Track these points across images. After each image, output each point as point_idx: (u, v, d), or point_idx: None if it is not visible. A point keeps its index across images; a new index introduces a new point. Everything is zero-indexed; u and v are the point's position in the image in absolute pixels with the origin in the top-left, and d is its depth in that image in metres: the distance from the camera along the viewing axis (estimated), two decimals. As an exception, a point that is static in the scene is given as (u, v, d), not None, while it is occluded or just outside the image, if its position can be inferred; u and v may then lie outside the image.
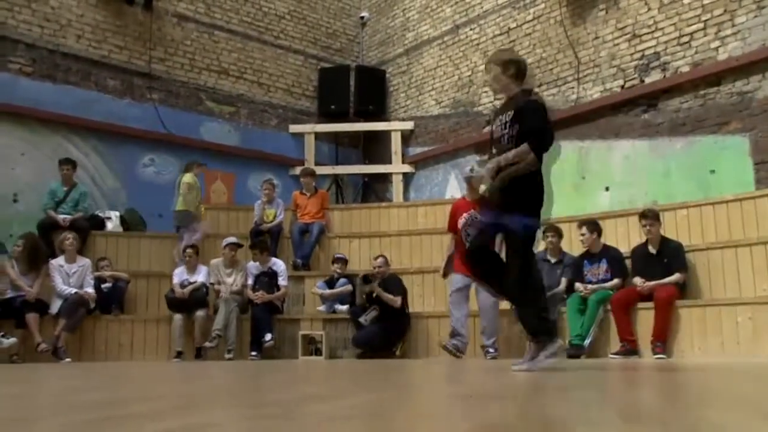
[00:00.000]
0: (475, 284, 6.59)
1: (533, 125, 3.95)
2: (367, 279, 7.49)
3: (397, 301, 7.34)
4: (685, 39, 8.15)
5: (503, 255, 4.21)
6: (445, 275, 7.12)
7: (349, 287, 8.03)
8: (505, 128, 4.03)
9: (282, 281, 8.09)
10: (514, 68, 4.11)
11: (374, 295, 7.47)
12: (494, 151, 4.16)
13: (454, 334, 6.77)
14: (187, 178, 8.73)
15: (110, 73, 9.95)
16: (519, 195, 3.91)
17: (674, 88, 8.18)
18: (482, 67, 10.52)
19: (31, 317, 7.13)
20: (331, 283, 8.19)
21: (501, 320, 6.93)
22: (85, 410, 1.95)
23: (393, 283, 7.51)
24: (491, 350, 6.65)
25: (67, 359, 7.09)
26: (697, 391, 2.60)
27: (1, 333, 6.95)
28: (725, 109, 7.71)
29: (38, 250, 7.57)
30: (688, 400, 2.15)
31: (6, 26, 9.07)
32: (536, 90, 4.28)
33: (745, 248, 6.40)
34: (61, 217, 8.27)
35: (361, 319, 7.50)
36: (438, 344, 6.92)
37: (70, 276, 7.58)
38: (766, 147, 7.33)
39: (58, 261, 7.63)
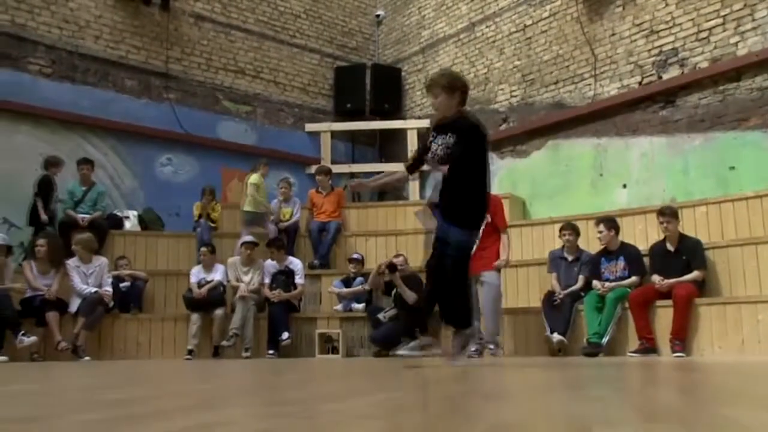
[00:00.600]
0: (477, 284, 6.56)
1: (471, 154, 4.21)
2: (393, 268, 7.48)
3: (412, 297, 7.32)
4: (704, 34, 8.07)
5: None
6: None
7: (366, 286, 8.04)
8: (447, 149, 4.22)
9: (299, 280, 8.11)
10: (459, 94, 4.29)
11: (394, 292, 7.48)
12: (428, 167, 4.46)
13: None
14: (254, 179, 8.83)
15: (128, 74, 10.03)
16: (461, 209, 4.24)
17: (693, 84, 8.10)
18: (499, 65, 10.50)
19: (51, 316, 7.20)
20: (347, 282, 8.21)
21: (504, 318, 6.88)
22: (104, 408, 1.96)
23: (412, 281, 7.51)
24: (491, 347, 6.60)
25: (87, 357, 7.16)
26: (716, 389, 2.57)
27: (22, 332, 7.03)
28: (745, 104, 7.63)
29: (59, 250, 7.65)
30: (707, 399, 2.13)
31: (26, 28, 9.17)
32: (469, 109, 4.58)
33: (765, 245, 6.33)
34: (80, 216, 8.34)
35: (380, 316, 7.53)
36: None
37: (87, 276, 7.62)
38: (787, 143, 7.24)
39: (74, 261, 7.66)
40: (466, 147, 4.17)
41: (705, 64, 8.02)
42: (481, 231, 6.58)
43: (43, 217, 8.16)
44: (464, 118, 4.31)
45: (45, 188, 8.27)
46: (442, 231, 4.32)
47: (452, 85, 4.28)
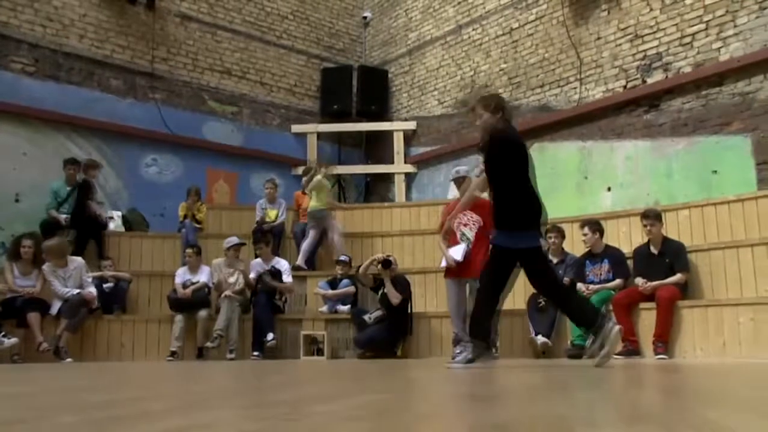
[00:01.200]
0: (469, 285, 6.58)
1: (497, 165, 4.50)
2: (388, 264, 7.46)
3: (396, 298, 7.32)
4: (687, 39, 8.15)
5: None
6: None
7: (352, 288, 8.03)
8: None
9: (286, 278, 8.10)
10: (501, 110, 4.54)
11: (381, 292, 7.48)
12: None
13: (456, 341, 6.78)
14: (318, 179, 8.92)
15: (113, 73, 9.96)
16: (497, 213, 4.55)
17: (676, 88, 8.18)
18: (485, 67, 10.53)
19: (33, 317, 7.10)
20: (333, 284, 8.18)
21: (500, 321, 6.89)
22: (89, 410, 1.95)
23: (400, 282, 7.52)
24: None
25: (69, 359, 7.07)
26: (698, 391, 2.59)
27: (2, 333, 6.93)
28: (727, 109, 7.71)
29: (39, 250, 7.57)
30: (689, 401, 2.15)
31: (9, 26, 9.08)
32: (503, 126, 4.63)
33: (746, 249, 6.39)
34: (63, 216, 8.27)
35: (366, 317, 7.52)
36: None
37: (66, 279, 7.50)
38: (768, 147, 7.33)
39: (49, 266, 7.48)
40: (491, 160, 4.45)
41: (688, 69, 8.10)
42: (473, 235, 6.66)
43: (103, 215, 8.53)
44: (489, 134, 4.50)
45: (85, 191, 8.42)
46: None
47: (492, 104, 4.56)
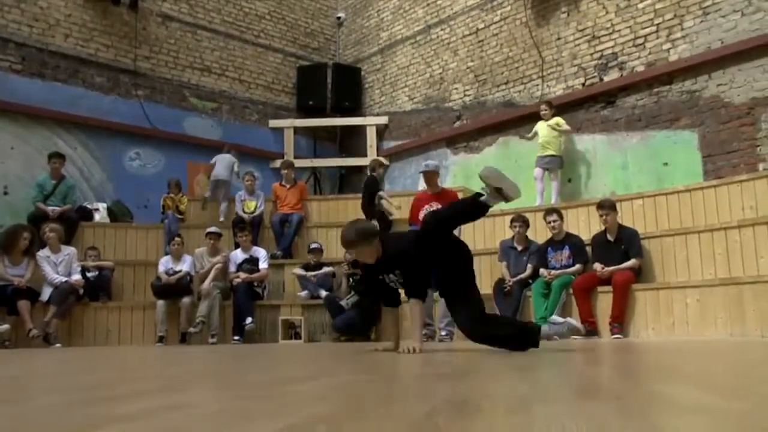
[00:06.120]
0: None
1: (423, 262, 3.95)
2: (357, 263, 7.48)
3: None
4: (640, 41, 8.24)
5: None
6: None
7: (331, 268, 8.07)
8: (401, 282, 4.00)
9: (263, 264, 8.07)
10: (373, 237, 3.90)
11: (352, 278, 7.50)
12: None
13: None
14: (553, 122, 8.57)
15: (97, 71, 9.81)
16: None
17: (630, 86, 8.28)
18: (453, 65, 10.54)
19: (22, 304, 7.02)
20: (307, 269, 8.17)
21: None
22: (75, 391, 1.93)
23: None
24: (443, 333, 6.68)
25: (57, 344, 7.00)
26: (649, 368, 2.64)
27: (-6, 320, 6.84)
28: (676, 106, 7.83)
29: (35, 241, 7.49)
30: (640, 377, 2.19)
31: (-5, 25, 8.88)
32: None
33: (693, 235, 6.51)
34: (50, 208, 8.14)
35: (344, 303, 7.54)
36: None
37: (57, 265, 7.45)
38: (713, 142, 7.46)
39: (45, 252, 7.48)
40: (413, 266, 3.90)
41: (641, 68, 8.19)
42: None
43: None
44: (391, 250, 3.94)
45: (371, 187, 8.70)
46: None
47: (366, 235, 3.88)
